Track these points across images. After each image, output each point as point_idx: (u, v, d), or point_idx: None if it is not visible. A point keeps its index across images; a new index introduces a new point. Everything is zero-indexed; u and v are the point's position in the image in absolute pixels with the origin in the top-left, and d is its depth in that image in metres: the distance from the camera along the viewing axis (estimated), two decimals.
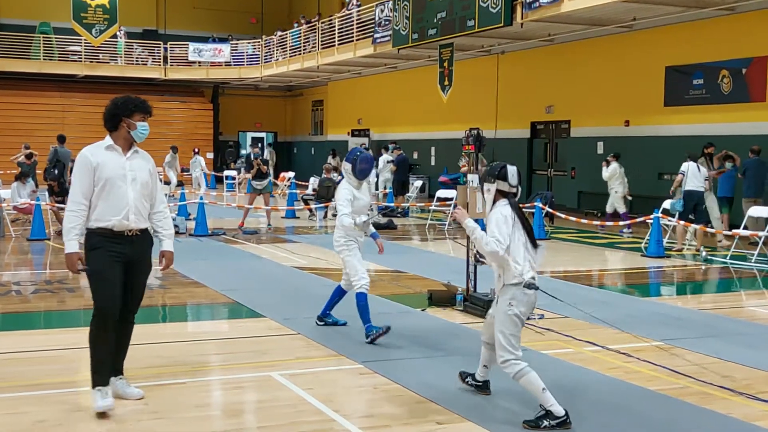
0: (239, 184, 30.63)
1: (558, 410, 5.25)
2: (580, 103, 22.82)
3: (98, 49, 34.39)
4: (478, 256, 5.98)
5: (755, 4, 17.23)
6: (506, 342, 5.36)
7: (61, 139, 20.40)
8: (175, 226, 16.46)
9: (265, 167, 18.07)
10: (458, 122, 24.45)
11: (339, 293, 8.05)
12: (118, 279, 5.55)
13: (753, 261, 13.28)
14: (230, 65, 36.43)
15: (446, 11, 21.87)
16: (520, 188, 5.67)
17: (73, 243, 5.51)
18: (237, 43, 36.89)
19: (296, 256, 13.62)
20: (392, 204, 21.98)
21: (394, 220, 19.22)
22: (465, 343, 7.58)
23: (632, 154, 20.91)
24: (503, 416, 5.53)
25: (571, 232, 17.89)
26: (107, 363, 5.54)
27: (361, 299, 7.57)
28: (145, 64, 36.44)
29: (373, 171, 20.40)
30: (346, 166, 7.73)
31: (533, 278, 5.41)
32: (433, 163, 29.01)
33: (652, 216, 14.18)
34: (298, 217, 20.74)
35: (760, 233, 13.90)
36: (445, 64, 23.63)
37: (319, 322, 8.16)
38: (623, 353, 7.33)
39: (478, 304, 8.84)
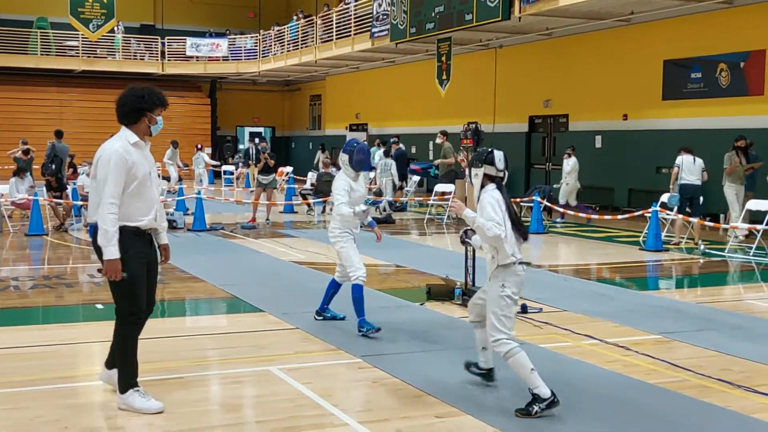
0: (237, 178, 30.62)
1: (544, 391, 5.33)
2: (578, 97, 22.81)
3: (95, 44, 34.34)
4: (464, 236, 6.06)
5: None
6: (498, 322, 5.47)
7: (59, 135, 20.37)
8: (174, 221, 16.49)
9: (273, 161, 18.03)
10: (456, 116, 24.42)
11: (333, 286, 8.06)
12: (146, 281, 5.49)
13: (751, 254, 13.29)
14: (228, 60, 36.39)
15: (444, 5, 21.84)
16: (506, 172, 5.73)
17: (114, 249, 5.24)
18: (235, 38, 36.84)
19: (294, 251, 13.61)
20: (390, 198, 21.96)
21: (392, 215, 19.21)
22: (463, 336, 7.57)
23: (630, 148, 20.93)
24: (502, 409, 5.53)
25: (569, 226, 17.89)
26: (137, 365, 5.54)
27: (357, 291, 7.57)
28: (143, 59, 36.40)
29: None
30: (343, 158, 7.73)
31: (521, 260, 5.56)
32: (431, 157, 28.97)
33: (650, 210, 14.19)
34: (297, 212, 20.75)
35: (759, 226, 13.90)
36: (443, 59, 23.61)
37: (317, 317, 8.17)
38: (622, 346, 7.34)
39: None
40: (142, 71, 36.20)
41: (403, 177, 24.14)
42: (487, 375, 6.01)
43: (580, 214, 17.70)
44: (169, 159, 27.21)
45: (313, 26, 31.19)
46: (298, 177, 28.34)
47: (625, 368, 6.65)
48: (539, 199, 16.78)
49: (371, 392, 6.00)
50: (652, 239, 14.01)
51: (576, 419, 5.33)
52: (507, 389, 5.89)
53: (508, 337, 5.45)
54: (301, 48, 32.04)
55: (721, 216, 17.04)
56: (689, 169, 14.58)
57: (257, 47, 36.04)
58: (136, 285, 5.39)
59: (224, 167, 31.91)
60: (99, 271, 5.48)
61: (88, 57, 34.76)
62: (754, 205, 14.83)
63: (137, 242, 5.38)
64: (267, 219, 17.93)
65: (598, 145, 22.22)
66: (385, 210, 19.37)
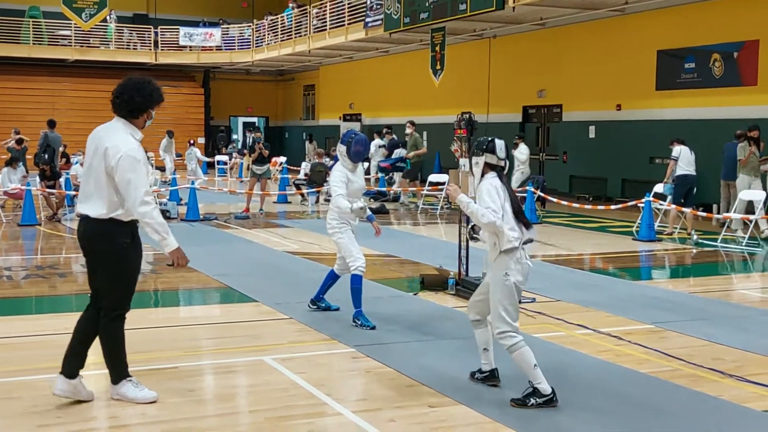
0: (231, 169, 30.57)
1: (545, 388, 5.32)
2: (571, 88, 22.81)
3: (88, 34, 34.19)
4: (471, 232, 5.94)
5: None
6: (504, 312, 5.37)
7: (52, 124, 20.30)
8: (167, 211, 16.46)
9: (267, 151, 18.00)
10: (450, 106, 24.40)
11: (332, 277, 8.03)
12: None
13: (743, 244, 13.33)
14: (221, 49, 36.28)
15: None
16: (508, 161, 5.68)
17: (173, 238, 5.35)
18: (228, 28, 36.72)
19: (288, 241, 13.61)
20: (384, 188, 21.97)
21: (386, 205, 19.21)
22: (457, 326, 7.60)
23: (624, 138, 20.94)
24: (495, 399, 5.55)
25: (562, 217, 17.92)
26: (126, 355, 5.51)
27: (356, 282, 7.53)
28: (136, 49, 36.26)
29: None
30: (341, 149, 7.65)
31: (526, 242, 5.47)
32: (425, 146, 28.96)
33: (643, 200, 14.21)
34: (290, 202, 20.73)
35: (751, 216, 13.95)
36: (437, 48, 23.58)
37: (311, 306, 8.16)
38: (614, 336, 7.36)
39: (470, 288, 8.83)
40: (135, 61, 36.08)
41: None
42: (491, 376, 5.86)
43: None
44: (164, 149, 27.08)
45: (306, 16, 31.11)
46: (291, 167, 28.31)
47: (617, 358, 6.67)
48: (533, 189, 16.79)
49: (365, 382, 6.01)
50: (645, 229, 14.05)
51: (569, 409, 5.35)
52: (502, 380, 5.89)
53: (514, 330, 5.37)
54: (295, 38, 31.96)
55: (714, 206, 17.08)
56: (687, 160, 14.60)
57: (251, 37, 35.92)
58: (132, 280, 5.41)
59: (217, 157, 31.86)
60: (169, 265, 5.47)
61: (81, 46, 34.61)
62: (746, 195, 14.87)
63: (133, 235, 5.39)
64: (260, 209, 17.92)
65: (592, 135, 22.23)
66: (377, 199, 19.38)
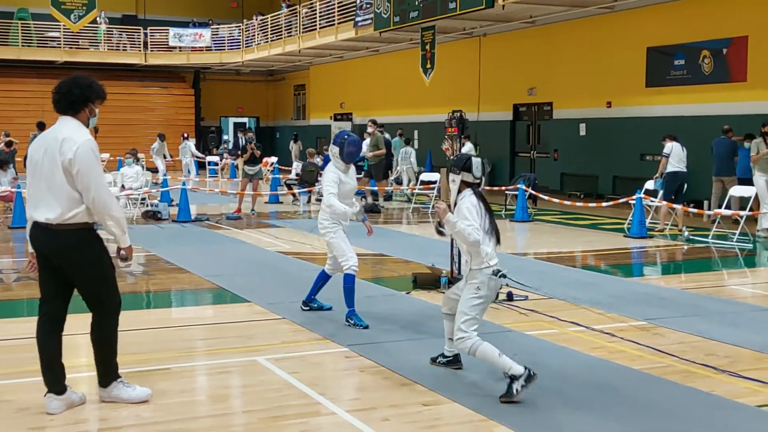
0: (222, 169, 30.50)
1: (517, 369, 5.43)
2: (562, 85, 22.85)
3: (78, 35, 34.09)
4: (438, 226, 6.12)
5: None
6: (465, 324, 5.59)
7: (41, 126, 20.20)
8: (158, 212, 16.44)
9: (259, 152, 17.97)
10: (441, 105, 24.44)
11: (323, 277, 8.02)
12: None
13: (734, 240, 13.37)
14: (211, 50, 36.21)
15: None
16: (484, 179, 5.95)
17: (128, 236, 5.31)
18: (218, 28, 36.65)
19: (280, 241, 13.59)
20: (375, 188, 21.96)
21: (378, 204, 19.20)
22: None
23: (615, 135, 21.00)
24: (489, 396, 5.55)
25: (554, 214, 17.95)
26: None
27: (349, 281, 7.51)
28: (125, 50, 36.16)
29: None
30: (334, 150, 7.61)
31: (496, 264, 5.64)
32: (416, 146, 28.99)
33: (634, 197, 14.24)
34: (282, 202, 20.71)
35: (742, 212, 13.99)
36: (427, 47, 23.59)
37: (304, 308, 8.14)
38: (607, 333, 7.38)
39: None
40: (124, 62, 36.02)
41: (388, 166, 24.15)
42: (453, 360, 6.16)
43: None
44: (155, 152, 27.02)
45: (296, 15, 31.08)
46: (283, 167, 28.27)
47: (610, 354, 6.68)
48: (524, 187, 16.81)
49: (358, 381, 6.01)
50: (636, 226, 14.08)
51: (562, 405, 5.35)
52: (493, 377, 5.90)
53: (469, 336, 5.58)
54: (285, 37, 31.93)
55: (705, 203, 17.13)
56: (679, 156, 14.63)
57: (241, 37, 35.87)
58: (113, 278, 5.34)
59: (209, 158, 31.79)
60: (123, 260, 5.34)
61: (70, 48, 34.51)
62: (737, 191, 14.92)
63: (97, 237, 5.29)
64: (252, 209, 17.90)
65: (583, 132, 22.28)
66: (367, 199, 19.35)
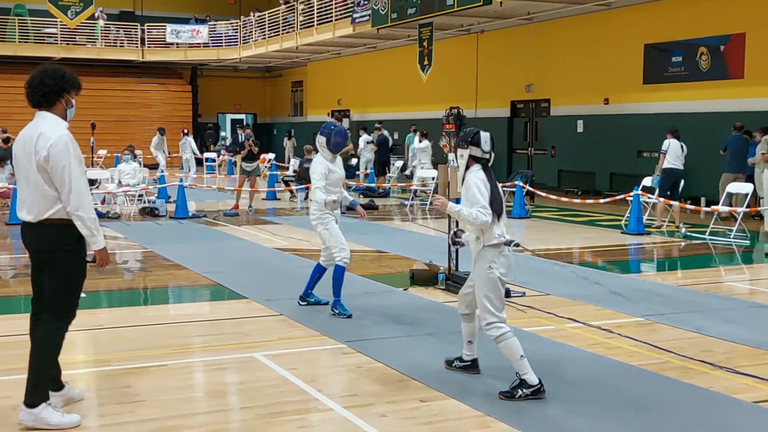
0: (219, 166, 30.47)
1: (532, 379, 5.34)
2: (559, 82, 22.85)
3: (75, 32, 34.02)
4: (455, 238, 5.97)
5: None
6: (490, 304, 5.42)
7: None
8: (156, 208, 16.42)
9: (257, 148, 17.96)
10: (438, 102, 24.39)
11: (319, 270, 8.07)
12: None
13: (732, 237, 13.38)
14: (208, 46, 36.16)
15: None
16: (492, 154, 5.71)
17: (102, 237, 4.96)
18: (215, 24, 36.60)
19: (277, 238, 13.59)
20: (373, 184, 21.97)
21: (375, 200, 19.21)
22: (447, 321, 7.60)
23: (612, 132, 21.00)
24: (486, 392, 5.55)
25: (551, 211, 17.95)
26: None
27: (338, 272, 7.69)
28: (122, 46, 36.10)
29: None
30: (321, 140, 7.77)
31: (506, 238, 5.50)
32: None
33: (631, 194, 14.24)
34: (279, 199, 20.70)
35: (739, 209, 14.00)
36: (425, 44, 23.57)
37: (301, 303, 8.17)
38: (604, 329, 7.38)
39: (459, 283, 8.83)
40: (121, 58, 35.95)
41: (385, 163, 24.18)
42: (471, 366, 5.96)
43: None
44: (155, 147, 26.89)
45: (293, 12, 31.04)
46: (280, 164, 28.25)
47: (607, 351, 6.69)
48: (521, 184, 16.81)
49: (355, 377, 6.01)
50: (633, 223, 14.08)
51: (559, 401, 5.36)
52: (491, 373, 5.91)
53: (500, 321, 5.42)
54: (282, 34, 31.88)
55: (702, 199, 17.14)
56: (676, 154, 14.63)
57: (238, 33, 35.82)
58: (80, 285, 5.07)
59: (206, 154, 31.76)
60: (91, 261, 5.02)
61: (67, 44, 34.43)
62: (734, 188, 14.93)
63: (79, 237, 4.98)
64: (250, 206, 17.89)
65: (580, 129, 22.28)
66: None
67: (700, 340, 7.02)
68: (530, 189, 17.73)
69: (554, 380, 5.63)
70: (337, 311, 7.67)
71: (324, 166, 7.69)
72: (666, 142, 14.75)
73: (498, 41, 25.02)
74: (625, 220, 14.66)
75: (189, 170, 26.63)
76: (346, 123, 31.48)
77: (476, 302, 5.57)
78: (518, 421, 5.04)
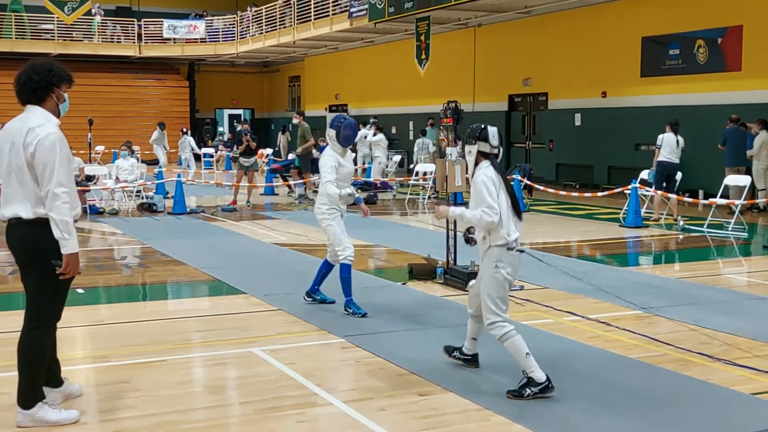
0: (217, 161, 30.44)
1: (539, 376, 5.29)
2: (557, 76, 22.84)
3: (71, 27, 33.97)
4: (467, 234, 5.83)
5: None
6: (493, 304, 5.37)
7: None
8: (154, 204, 16.41)
9: (254, 143, 17.94)
10: (436, 96, 24.41)
11: (326, 267, 7.96)
12: None
13: (730, 229, 13.39)
14: (205, 42, 36.11)
15: None
16: (501, 149, 5.62)
17: (76, 241, 4.76)
18: (212, 20, 36.54)
19: (276, 233, 13.58)
20: (370, 179, 21.95)
21: (375, 195, 19.20)
22: (446, 315, 7.62)
23: (610, 125, 21.00)
24: (484, 387, 5.56)
25: (549, 204, 17.96)
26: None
27: (345, 271, 7.52)
28: (119, 42, 36.04)
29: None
30: (330, 133, 7.61)
31: (517, 240, 5.43)
32: (411, 137, 28.97)
33: (629, 187, 14.25)
34: (277, 194, 20.69)
35: (737, 201, 14.01)
36: (422, 38, 23.55)
37: (306, 299, 8.09)
38: (603, 322, 7.39)
39: (458, 277, 8.87)
40: (118, 54, 35.89)
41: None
42: (471, 360, 5.93)
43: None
44: (155, 141, 26.77)
45: (291, 6, 30.99)
46: (278, 159, 28.19)
47: (606, 344, 6.69)
48: (519, 178, 16.81)
49: (354, 372, 6.02)
50: (631, 216, 14.09)
51: (558, 394, 5.36)
52: (490, 368, 5.92)
53: (504, 320, 5.37)
54: (279, 29, 31.84)
55: (700, 192, 17.15)
56: (670, 147, 14.62)
57: (235, 28, 35.77)
58: (65, 287, 4.93)
59: (203, 150, 31.73)
60: (55, 263, 4.79)
61: (64, 40, 34.38)
62: (731, 180, 14.94)
63: None
64: (248, 201, 17.88)
65: (578, 122, 22.28)
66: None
67: (699, 333, 7.04)
68: (528, 183, 17.72)
69: (552, 373, 5.63)
70: (351, 310, 7.50)
71: (334, 158, 7.52)
72: (660, 137, 14.77)
73: (495, 35, 25.00)
74: (623, 213, 14.67)
75: (189, 167, 26.57)
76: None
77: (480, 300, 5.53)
78: (516, 414, 5.04)
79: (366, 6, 24.91)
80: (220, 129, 39.51)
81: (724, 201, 14.41)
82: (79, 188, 15.23)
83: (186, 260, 10.75)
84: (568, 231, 14.14)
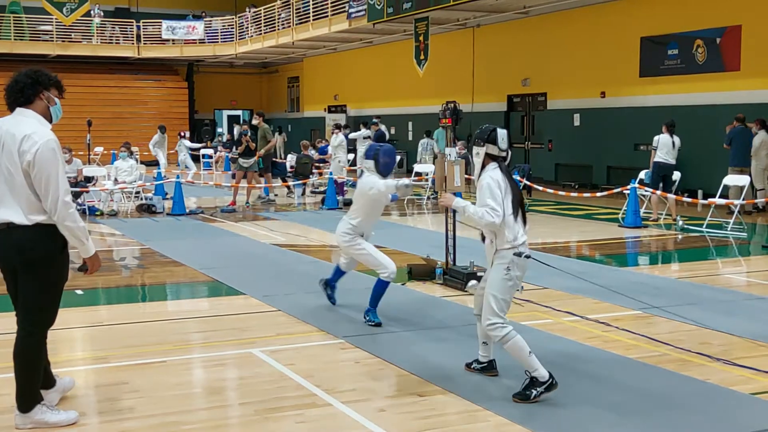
0: (216, 162, 30.41)
1: (542, 374, 5.27)
2: (556, 76, 22.84)
3: (70, 29, 33.97)
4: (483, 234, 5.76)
5: None
6: (497, 306, 5.34)
7: None
8: (153, 205, 16.40)
9: (254, 144, 17.93)
10: (435, 96, 24.39)
11: (338, 271, 7.89)
12: None
13: (729, 229, 13.40)
14: (204, 43, 36.11)
15: None
16: (509, 152, 5.58)
17: (92, 243, 4.82)
18: (211, 20, 36.54)
19: (275, 234, 13.58)
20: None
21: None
22: (445, 316, 7.62)
23: (609, 125, 21.01)
24: (484, 387, 5.56)
25: (548, 205, 17.96)
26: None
27: (380, 286, 7.25)
28: (118, 43, 36.03)
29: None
30: (368, 164, 7.25)
31: (524, 243, 5.40)
32: (410, 138, 28.97)
33: (628, 187, 14.25)
34: (277, 195, 20.66)
35: (736, 201, 14.02)
36: (421, 38, 23.55)
37: (320, 284, 8.01)
38: (602, 322, 7.39)
39: (457, 278, 8.87)
40: (117, 55, 35.90)
41: None
42: (488, 367, 5.85)
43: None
44: (156, 145, 26.72)
45: (289, 7, 30.99)
46: (274, 159, 28.16)
47: (605, 344, 6.69)
48: (519, 178, 16.81)
49: (354, 372, 6.01)
50: (631, 216, 14.09)
51: (557, 395, 5.36)
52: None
53: (504, 322, 5.35)
54: (278, 30, 31.85)
55: (699, 192, 17.15)
56: (667, 148, 14.63)
57: (234, 29, 35.77)
58: (60, 292, 4.91)
59: (203, 151, 31.70)
60: (80, 270, 4.90)
61: (63, 41, 34.38)
62: (730, 180, 14.94)
63: (62, 241, 4.80)
64: (247, 202, 17.88)
65: (577, 123, 22.28)
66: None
67: (698, 333, 7.04)
68: (527, 183, 17.73)
69: (552, 374, 5.63)
70: (368, 318, 7.30)
71: (383, 185, 7.09)
72: (656, 138, 14.78)
73: (494, 35, 25.01)
74: (623, 214, 14.67)
75: (188, 168, 26.53)
76: (342, 118, 31.44)
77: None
78: (515, 415, 5.04)
79: (365, 6, 24.92)
80: (219, 130, 39.50)
81: (723, 201, 14.41)
82: (78, 189, 15.32)
83: (185, 261, 10.75)
84: (567, 231, 14.14)
